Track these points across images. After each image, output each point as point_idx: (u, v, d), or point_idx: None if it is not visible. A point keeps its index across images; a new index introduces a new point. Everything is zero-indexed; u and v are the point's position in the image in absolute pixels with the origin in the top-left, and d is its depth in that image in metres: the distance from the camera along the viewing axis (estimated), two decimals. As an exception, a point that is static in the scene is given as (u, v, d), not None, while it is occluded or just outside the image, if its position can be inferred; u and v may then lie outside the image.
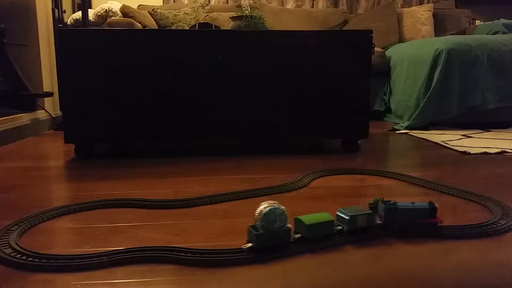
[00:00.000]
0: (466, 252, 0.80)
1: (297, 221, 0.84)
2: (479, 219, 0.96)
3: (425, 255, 0.79)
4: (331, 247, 0.82)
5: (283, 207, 0.80)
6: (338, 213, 0.89)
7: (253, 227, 0.80)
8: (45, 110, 2.40)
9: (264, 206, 0.79)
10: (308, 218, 0.83)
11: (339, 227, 0.86)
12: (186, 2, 3.70)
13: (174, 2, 3.73)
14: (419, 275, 0.71)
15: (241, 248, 0.78)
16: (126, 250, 0.78)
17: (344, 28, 3.45)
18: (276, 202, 0.80)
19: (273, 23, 3.27)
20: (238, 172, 1.42)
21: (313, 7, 3.91)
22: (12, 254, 0.77)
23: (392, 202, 0.90)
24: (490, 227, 0.90)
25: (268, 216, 0.78)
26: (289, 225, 0.81)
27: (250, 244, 0.78)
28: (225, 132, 1.70)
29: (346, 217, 0.86)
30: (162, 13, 3.16)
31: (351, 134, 1.76)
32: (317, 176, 1.36)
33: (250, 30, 1.73)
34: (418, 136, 2.17)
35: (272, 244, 0.79)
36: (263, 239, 0.78)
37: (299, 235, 0.83)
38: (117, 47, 1.60)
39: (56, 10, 2.92)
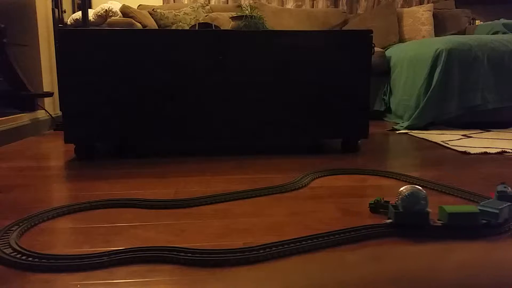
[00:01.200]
0: (466, 252, 0.80)
1: (441, 209, 0.89)
2: (479, 219, 0.96)
3: (425, 255, 0.79)
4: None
5: (425, 192, 0.88)
6: (481, 207, 0.90)
7: (394, 206, 0.90)
8: (45, 110, 2.40)
9: (406, 188, 0.88)
10: (452, 208, 0.89)
11: (484, 221, 0.89)
12: (186, 2, 3.70)
13: (174, 2, 3.73)
14: (419, 275, 0.71)
15: (237, 248, 0.78)
16: (126, 250, 0.78)
17: (344, 28, 3.45)
18: (419, 187, 0.89)
19: (273, 23, 3.27)
20: (238, 172, 1.42)
21: (313, 7, 3.91)
22: (12, 254, 0.77)
23: None
24: (490, 227, 0.90)
25: (409, 197, 0.87)
26: (429, 210, 0.88)
27: (389, 220, 0.89)
28: (225, 132, 1.70)
29: (494, 211, 0.88)
30: (162, 13, 3.16)
31: (351, 134, 1.76)
32: (317, 176, 1.36)
33: (250, 30, 1.73)
34: (418, 136, 2.17)
35: (409, 222, 0.87)
36: (402, 217, 0.88)
37: (440, 222, 0.88)
38: (117, 47, 1.60)
39: (56, 10, 2.92)
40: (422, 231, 0.87)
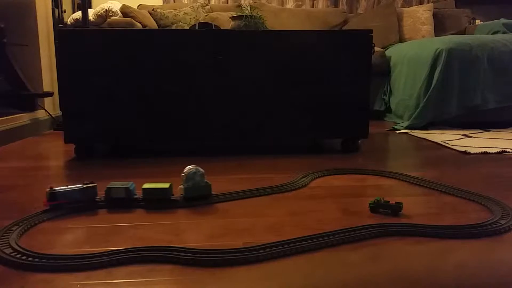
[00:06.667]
0: (466, 252, 0.80)
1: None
2: (479, 219, 0.96)
3: (425, 255, 0.79)
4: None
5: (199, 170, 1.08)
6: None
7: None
8: (45, 110, 2.40)
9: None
10: (148, 184, 1.08)
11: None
12: (186, 2, 3.70)
13: (174, 2, 3.73)
14: (418, 275, 0.71)
15: (237, 248, 0.78)
16: (126, 250, 0.78)
17: (344, 28, 3.45)
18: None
19: (273, 23, 3.27)
20: (238, 172, 1.42)
21: (313, 7, 3.91)
22: (12, 254, 0.77)
23: None
24: (490, 227, 0.90)
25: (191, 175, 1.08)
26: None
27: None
28: (225, 132, 1.70)
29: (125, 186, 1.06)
30: (162, 13, 3.16)
31: (351, 134, 1.76)
32: (317, 176, 1.36)
33: (250, 30, 1.73)
34: (418, 136, 2.17)
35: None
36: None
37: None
38: (117, 47, 1.60)
39: (56, 10, 2.92)
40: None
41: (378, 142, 2.02)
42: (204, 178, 1.11)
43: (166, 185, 1.07)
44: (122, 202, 1.05)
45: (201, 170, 1.10)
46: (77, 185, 1.02)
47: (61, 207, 1.01)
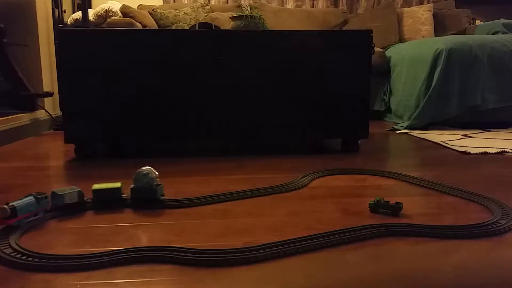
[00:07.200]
0: (466, 252, 0.80)
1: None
2: (479, 219, 0.96)
3: (425, 255, 0.79)
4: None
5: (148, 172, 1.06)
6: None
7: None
8: (45, 110, 2.40)
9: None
10: (98, 185, 1.07)
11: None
12: (186, 2, 3.70)
13: (174, 2, 3.73)
14: (418, 275, 0.71)
15: (237, 248, 0.78)
16: (126, 250, 0.78)
17: (344, 28, 3.45)
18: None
19: (273, 23, 3.27)
20: (238, 172, 1.42)
21: (313, 7, 3.91)
22: (12, 254, 0.77)
23: None
24: (490, 227, 0.90)
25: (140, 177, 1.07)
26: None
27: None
28: (225, 132, 1.70)
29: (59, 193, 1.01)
30: (162, 13, 3.16)
31: (351, 134, 1.76)
32: (317, 176, 1.36)
33: (250, 30, 1.73)
34: (418, 136, 2.17)
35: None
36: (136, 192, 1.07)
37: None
38: (117, 47, 1.60)
39: (56, 10, 2.92)
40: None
41: (378, 142, 2.02)
42: (156, 181, 1.07)
43: (117, 185, 1.07)
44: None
45: (155, 172, 1.07)
46: (29, 197, 0.93)
47: (21, 222, 0.91)
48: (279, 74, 1.68)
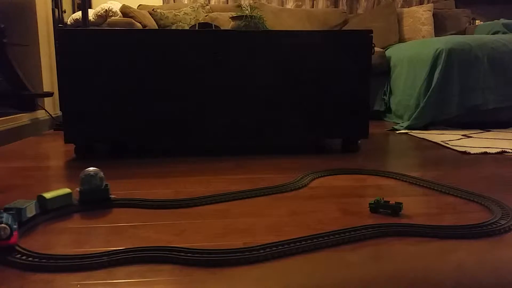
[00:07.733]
0: (466, 252, 0.80)
1: (40, 197, 0.99)
2: (479, 219, 0.96)
3: (425, 255, 0.79)
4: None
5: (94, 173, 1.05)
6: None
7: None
8: (45, 110, 2.40)
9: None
10: (49, 193, 1.01)
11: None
12: (186, 2, 3.70)
13: (174, 2, 3.73)
14: (418, 275, 0.71)
15: (237, 248, 0.78)
16: (126, 250, 0.78)
17: (344, 28, 3.45)
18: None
19: (273, 23, 3.27)
20: (238, 172, 1.42)
21: (313, 7, 3.91)
22: (12, 254, 0.76)
23: None
24: (490, 227, 0.90)
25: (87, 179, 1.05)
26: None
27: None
28: (225, 132, 1.70)
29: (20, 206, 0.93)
30: (162, 13, 3.16)
31: (351, 134, 1.76)
32: (317, 176, 1.36)
33: (250, 30, 1.73)
34: (418, 136, 2.17)
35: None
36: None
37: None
38: (117, 47, 1.60)
39: (56, 10, 2.92)
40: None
41: (378, 142, 2.02)
42: (103, 182, 1.07)
43: (67, 191, 1.03)
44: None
45: (100, 173, 1.06)
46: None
47: None
48: (279, 74, 1.68)
